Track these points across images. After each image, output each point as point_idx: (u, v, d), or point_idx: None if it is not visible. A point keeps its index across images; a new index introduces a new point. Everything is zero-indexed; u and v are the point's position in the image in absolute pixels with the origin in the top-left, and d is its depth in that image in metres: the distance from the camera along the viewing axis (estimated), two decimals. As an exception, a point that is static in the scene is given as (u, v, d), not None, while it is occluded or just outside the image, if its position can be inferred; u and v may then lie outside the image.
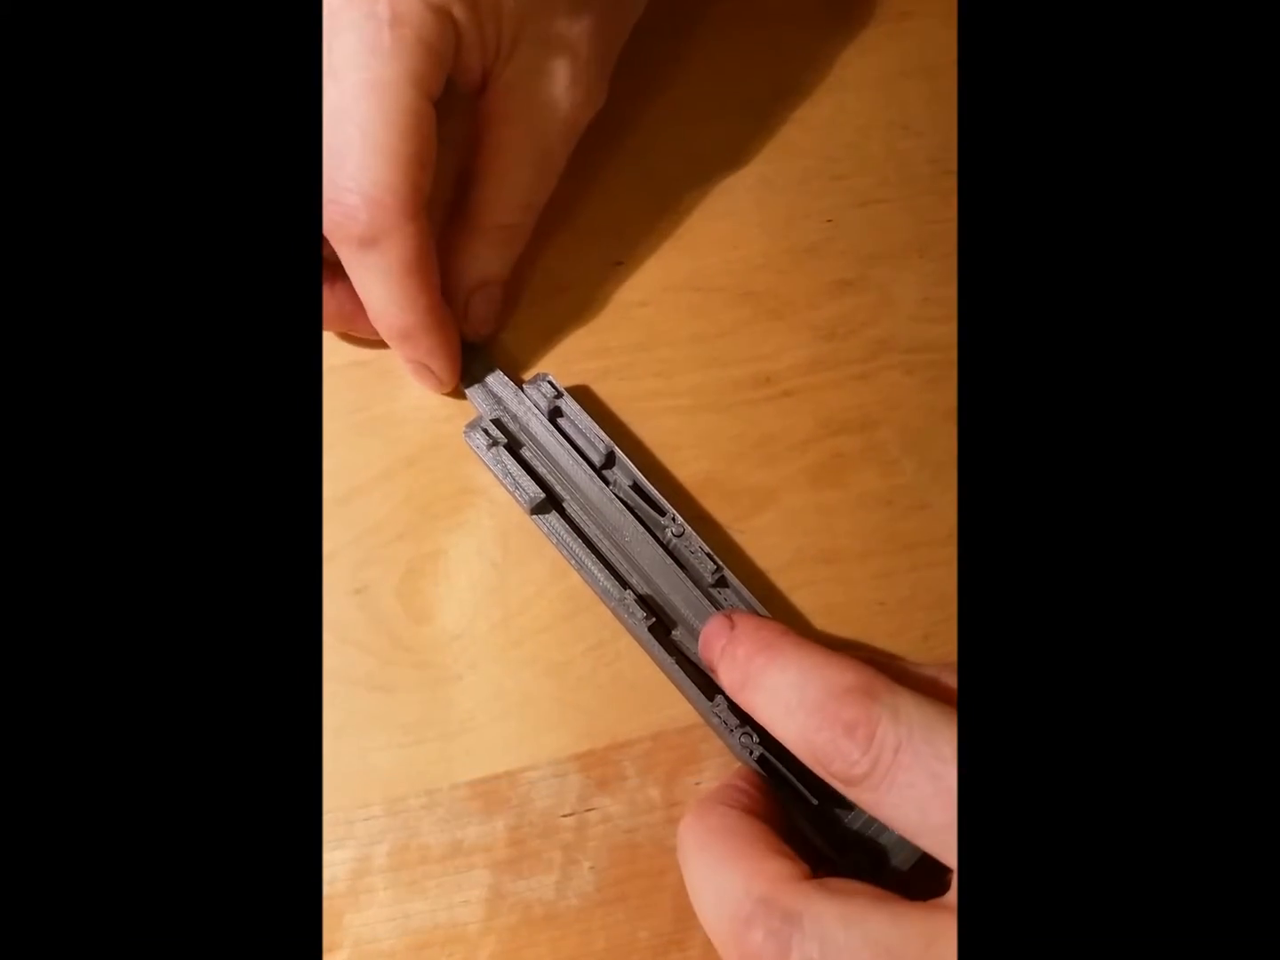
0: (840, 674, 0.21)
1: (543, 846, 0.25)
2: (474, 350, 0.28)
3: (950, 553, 0.28)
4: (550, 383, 0.27)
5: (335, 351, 0.29)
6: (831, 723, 0.20)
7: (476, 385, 0.27)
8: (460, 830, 0.25)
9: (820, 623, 0.27)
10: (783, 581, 0.27)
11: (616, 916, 0.25)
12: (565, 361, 0.29)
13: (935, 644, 0.27)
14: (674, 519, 0.26)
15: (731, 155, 0.31)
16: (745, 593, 0.25)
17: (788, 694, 0.21)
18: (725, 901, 0.20)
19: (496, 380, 0.27)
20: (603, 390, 0.29)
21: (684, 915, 0.25)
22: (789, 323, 0.30)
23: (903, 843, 0.24)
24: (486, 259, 0.27)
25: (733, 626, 0.23)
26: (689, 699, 0.24)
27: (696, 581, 0.26)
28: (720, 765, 0.26)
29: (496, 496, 0.27)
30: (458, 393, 0.28)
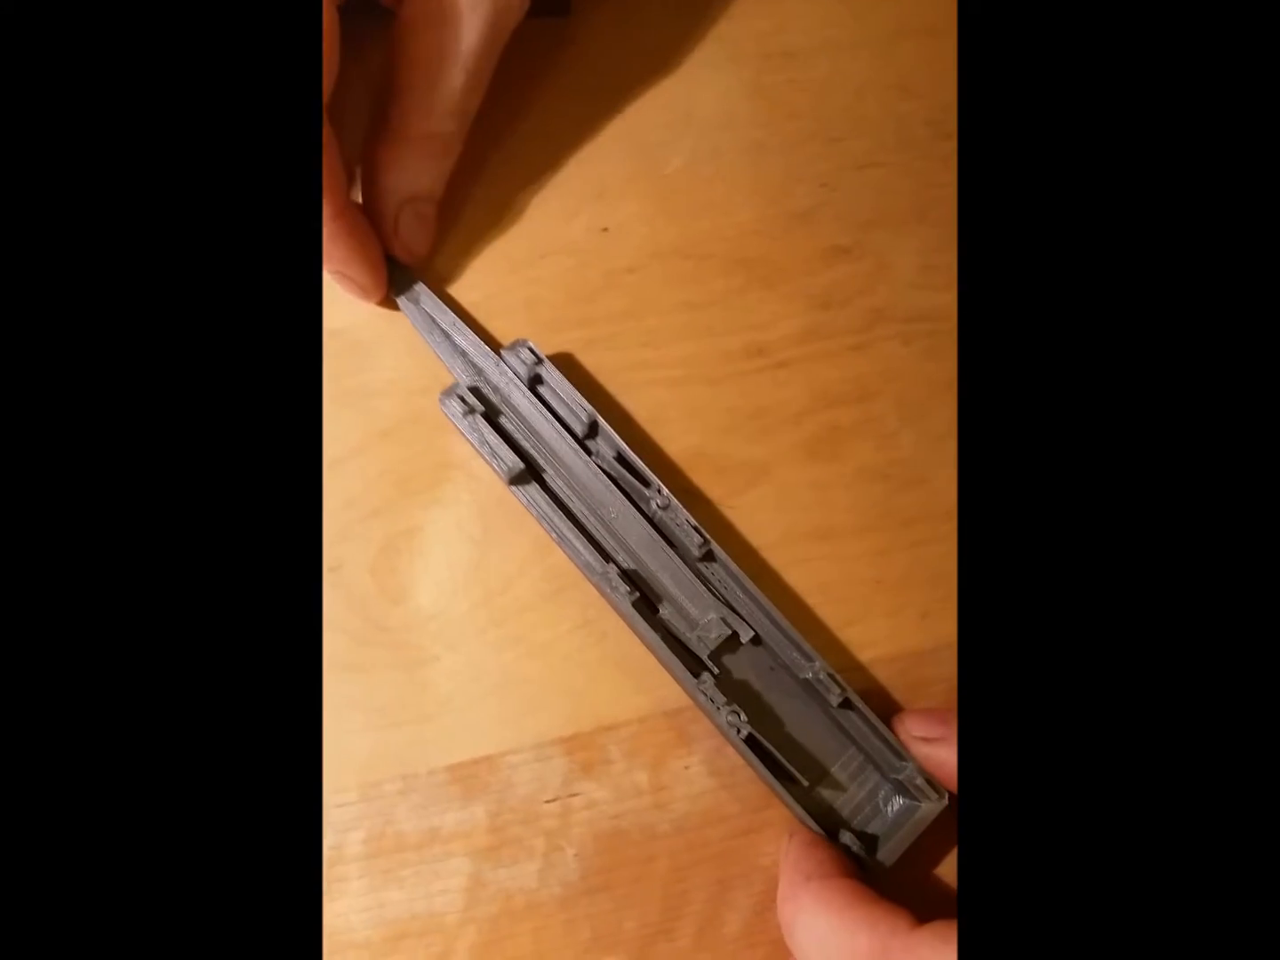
0: (853, 940, 0.20)
1: (524, 833, 0.24)
2: (401, 266, 0.28)
3: (950, 529, 0.27)
4: (530, 349, 0.26)
5: (308, 320, 0.28)
6: None
7: (456, 355, 0.27)
8: (438, 817, 0.24)
9: (814, 601, 0.26)
10: (775, 558, 0.27)
11: (602, 906, 0.24)
12: (547, 330, 0.28)
13: (934, 622, 0.26)
14: (659, 491, 0.25)
15: (723, 118, 0.31)
16: (734, 567, 0.24)
17: (812, 949, 0.21)
18: (840, 954, 0.20)
19: (474, 348, 0.26)
20: (587, 361, 0.28)
21: (672, 904, 0.24)
22: (782, 291, 0.29)
23: (891, 835, 0.23)
24: (415, 171, 0.27)
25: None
26: (675, 676, 0.24)
27: (683, 556, 0.25)
28: (710, 749, 0.25)
29: (475, 470, 0.27)
30: (428, 359, 0.27)
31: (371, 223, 0.27)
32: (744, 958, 0.24)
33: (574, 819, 0.24)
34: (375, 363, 0.28)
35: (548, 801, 0.24)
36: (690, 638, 0.25)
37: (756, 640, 0.25)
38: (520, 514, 0.26)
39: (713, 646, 0.24)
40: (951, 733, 0.23)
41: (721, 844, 0.24)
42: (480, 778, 0.24)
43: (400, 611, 0.26)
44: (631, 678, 0.25)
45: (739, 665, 0.25)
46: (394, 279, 0.27)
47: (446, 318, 0.27)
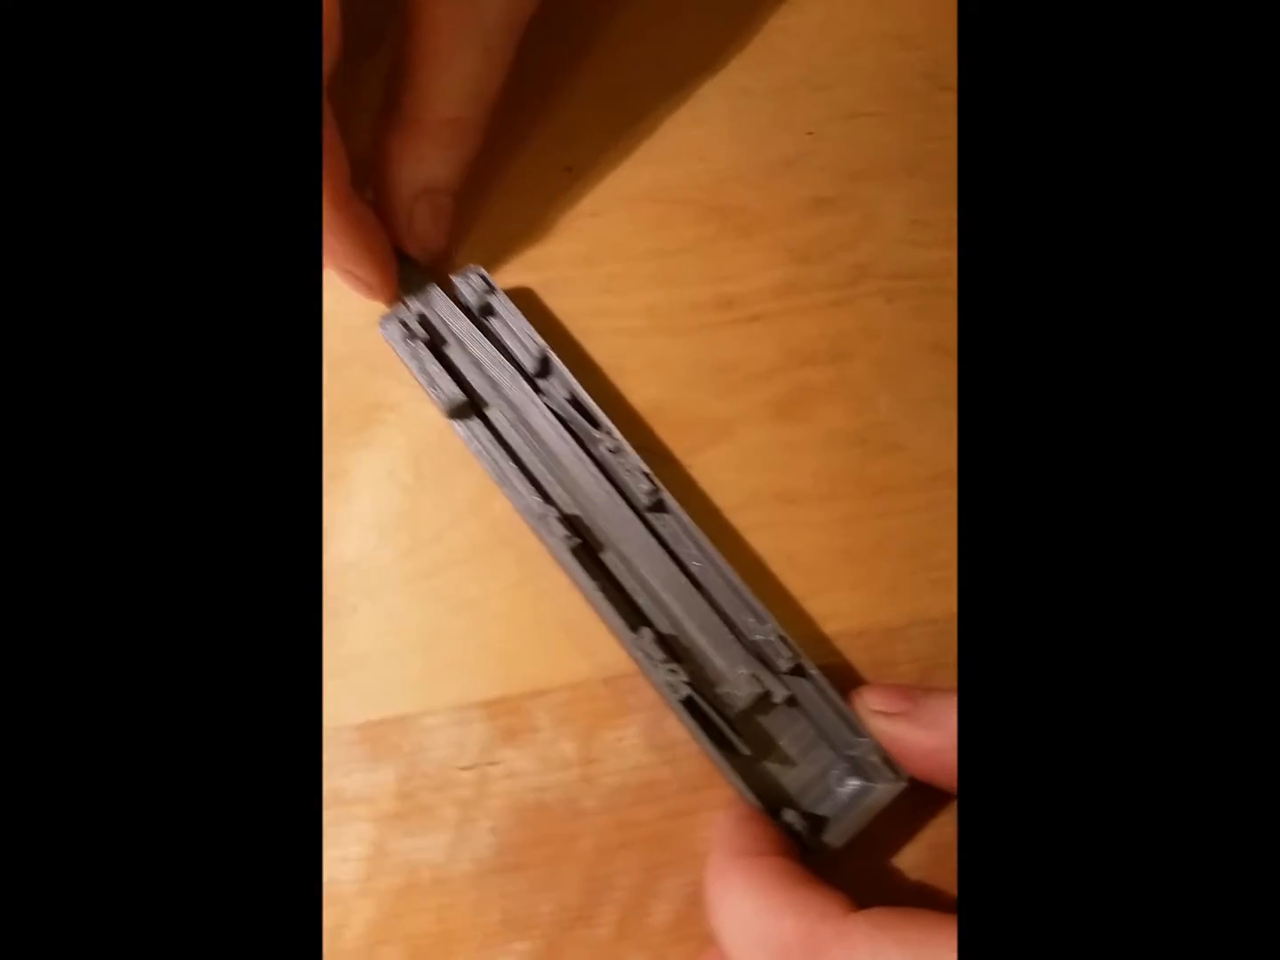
0: (779, 923, 0.17)
1: (436, 801, 0.22)
2: (415, 265, 0.25)
3: (927, 498, 0.25)
4: (482, 276, 0.24)
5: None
6: None
7: (399, 281, 0.25)
8: (343, 778, 0.22)
9: (777, 568, 0.24)
10: (738, 521, 0.25)
11: (517, 885, 0.22)
12: (505, 272, 0.26)
13: (902, 596, 0.24)
14: (610, 433, 0.23)
15: (706, 61, 0.29)
16: (685, 518, 0.23)
17: (736, 931, 0.18)
18: (764, 938, 0.18)
19: (421, 272, 0.25)
20: (547, 304, 0.26)
21: (595, 887, 0.22)
22: (759, 242, 0.27)
23: (841, 817, 0.21)
24: (431, 160, 0.25)
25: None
26: (612, 629, 0.22)
27: (631, 504, 0.23)
28: (649, 720, 0.23)
29: (414, 413, 0.25)
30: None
31: (383, 218, 0.25)
32: (671, 953, 0.21)
33: (492, 789, 0.22)
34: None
35: (464, 769, 0.22)
36: (634, 590, 0.23)
37: (707, 599, 0.22)
38: (458, 462, 0.24)
39: (658, 605, 0.22)
40: (914, 709, 0.21)
41: (654, 825, 0.22)
42: (391, 739, 0.22)
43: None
44: (569, 639, 0.23)
45: (687, 630, 0.23)
46: (405, 277, 0.25)
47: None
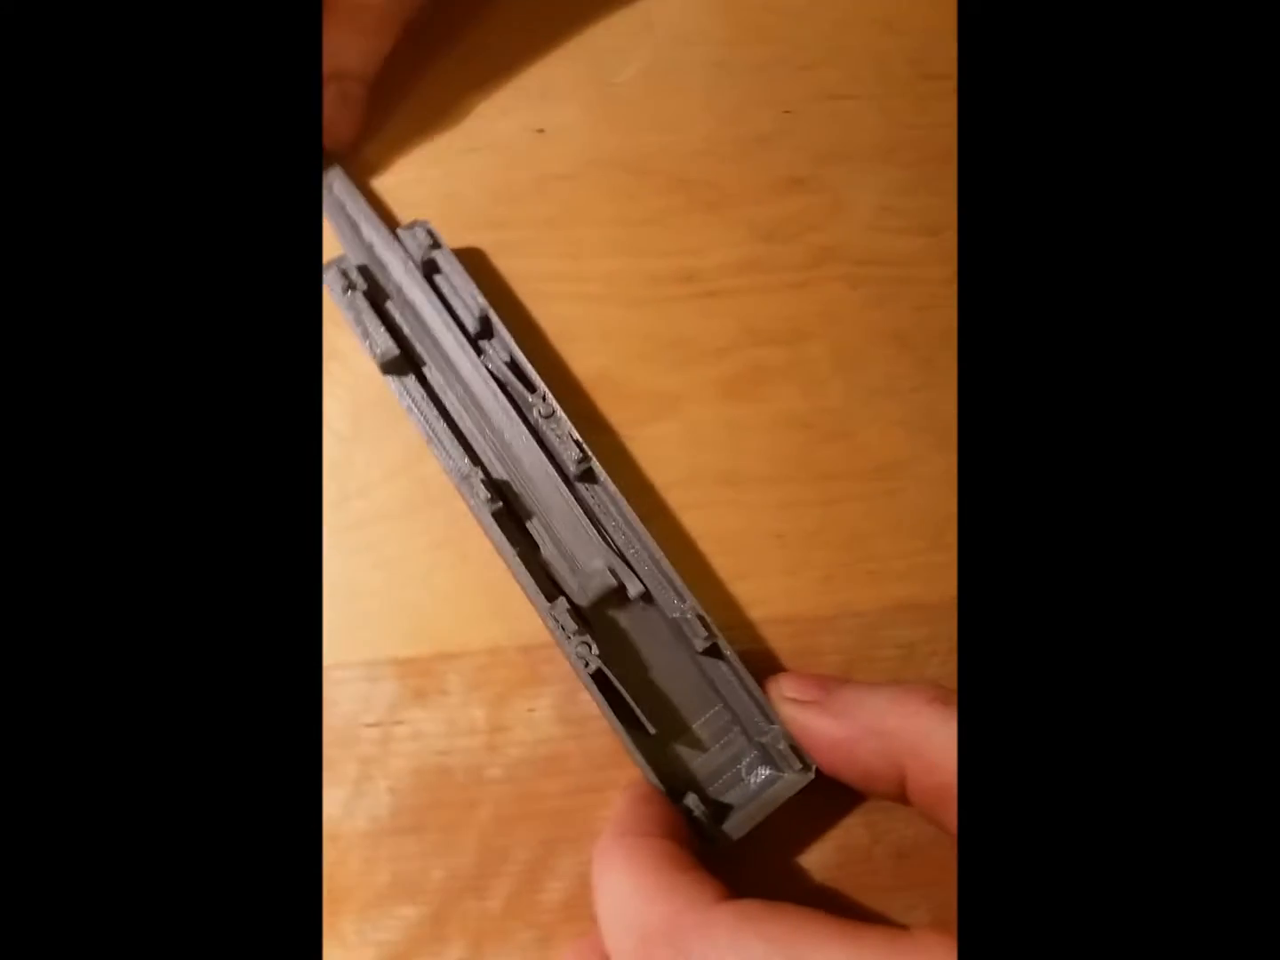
0: (648, 907, 0.17)
1: (337, 756, 0.22)
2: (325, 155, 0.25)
3: (867, 489, 0.24)
4: (428, 231, 0.24)
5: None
6: None
7: (348, 229, 0.24)
8: (244, 725, 0.22)
9: (709, 549, 0.24)
10: (673, 498, 0.24)
11: (410, 848, 0.21)
12: (462, 228, 0.26)
13: (835, 586, 0.23)
14: (544, 398, 0.22)
15: (686, 32, 0.28)
16: (614, 490, 0.22)
17: (609, 911, 0.18)
18: (633, 921, 0.17)
19: (368, 223, 0.24)
20: (500, 265, 0.26)
21: (489, 859, 0.21)
22: (725, 217, 0.27)
23: (745, 806, 0.20)
24: (345, 46, 0.24)
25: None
26: (528, 596, 0.21)
27: (561, 471, 0.22)
28: (562, 693, 0.22)
29: (354, 365, 0.25)
30: (325, 241, 0.25)
31: None
32: (559, 931, 0.21)
33: (395, 749, 0.22)
34: (271, 240, 0.26)
35: (369, 725, 0.22)
36: (555, 560, 0.22)
37: (630, 575, 0.22)
38: (396, 418, 0.24)
39: (579, 575, 0.22)
40: (827, 698, 0.20)
41: (556, 800, 0.22)
42: (298, 689, 0.22)
43: (248, 502, 0.23)
44: (488, 605, 0.23)
45: (606, 600, 0.22)
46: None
47: (345, 190, 0.25)
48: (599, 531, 0.22)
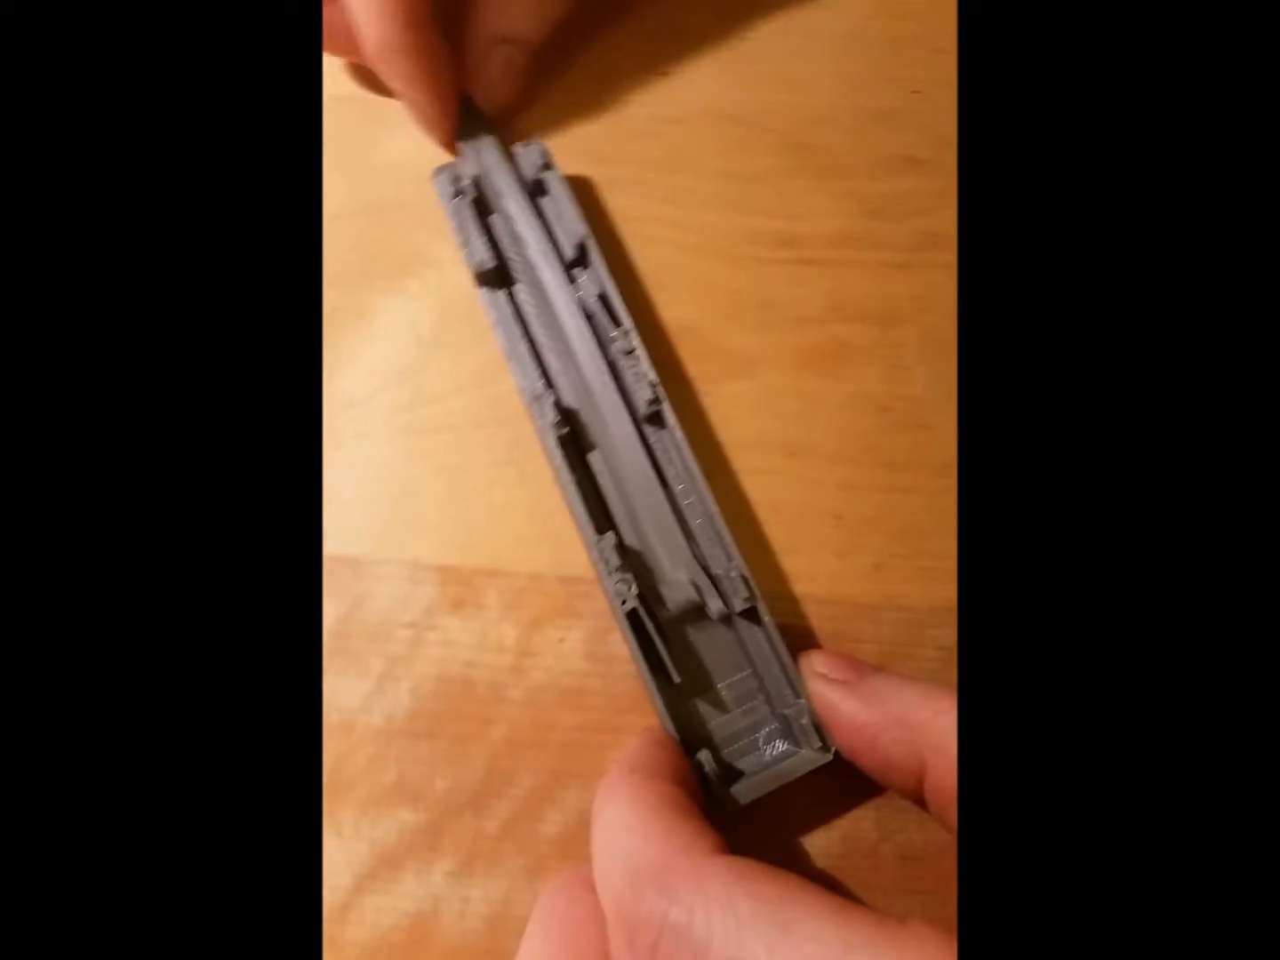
0: (644, 845, 0.16)
1: (366, 649, 0.22)
2: (478, 113, 0.25)
3: (939, 484, 0.24)
4: (543, 151, 0.24)
5: (333, 82, 0.26)
6: (619, 919, 0.16)
7: (467, 141, 0.24)
8: (282, 603, 0.22)
9: (764, 516, 0.23)
10: (737, 460, 0.24)
11: (419, 754, 0.21)
12: (571, 157, 0.26)
13: (885, 576, 0.23)
14: (627, 334, 0.22)
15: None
16: (680, 437, 0.22)
17: (604, 844, 0.17)
18: (626, 857, 0.17)
19: (487, 135, 0.24)
20: (604, 199, 0.25)
21: (495, 779, 0.21)
22: (834, 187, 0.26)
23: (757, 774, 0.20)
24: (517, 12, 0.24)
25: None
26: (578, 525, 0.21)
27: (631, 410, 0.22)
28: (594, 629, 0.22)
29: (450, 274, 0.25)
30: (443, 151, 0.25)
31: (458, 55, 0.25)
32: (550, 865, 0.21)
33: (423, 653, 0.22)
34: (385, 139, 0.26)
35: (403, 626, 0.22)
36: (610, 494, 0.22)
37: (680, 522, 0.22)
38: (478, 332, 0.24)
39: (633, 515, 0.21)
40: (859, 681, 0.20)
41: (571, 733, 0.22)
42: (341, 577, 0.22)
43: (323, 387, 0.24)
44: (537, 529, 0.23)
45: (653, 547, 0.22)
46: (468, 125, 0.25)
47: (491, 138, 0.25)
48: (658, 475, 0.22)
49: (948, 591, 0.23)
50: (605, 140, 0.26)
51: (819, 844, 0.21)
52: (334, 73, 0.26)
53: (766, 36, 0.27)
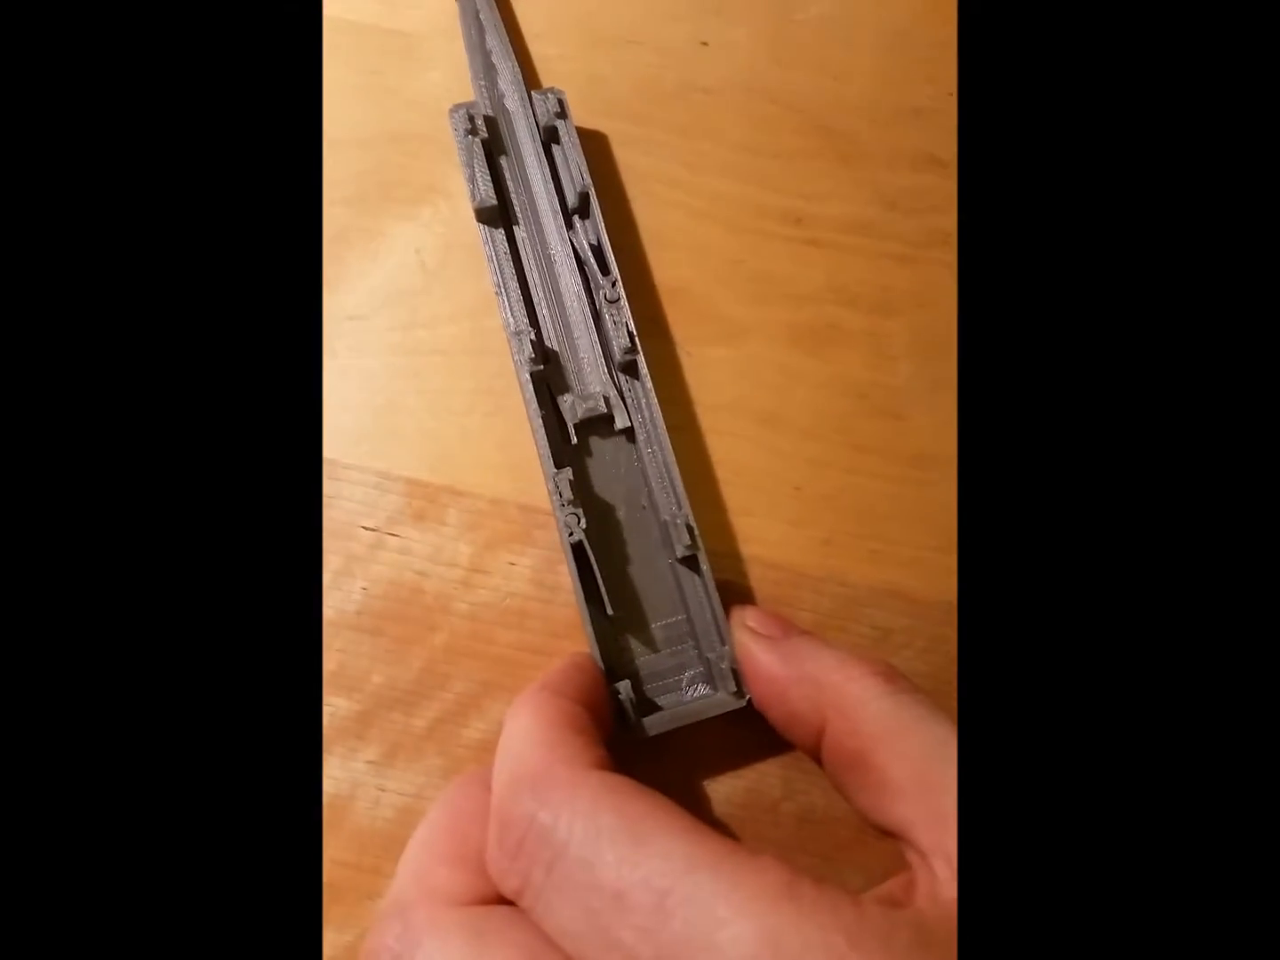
0: (531, 751, 0.17)
1: (329, 547, 0.23)
2: None
3: (899, 472, 0.24)
4: (559, 100, 0.25)
5: (382, 15, 0.27)
6: (496, 815, 0.17)
7: (487, 78, 0.25)
8: (258, 490, 0.23)
9: (725, 476, 0.24)
10: (708, 421, 0.24)
11: (361, 647, 0.23)
12: (598, 112, 0.27)
13: (833, 551, 0.23)
14: (614, 284, 0.23)
15: (879, -10, 0.28)
16: (649, 388, 0.23)
17: (501, 748, 0.18)
18: (515, 760, 0.17)
19: (508, 74, 0.25)
20: (621, 155, 0.26)
21: (429, 681, 0.22)
22: (854, 174, 0.26)
23: (671, 709, 0.21)
24: None
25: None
26: (540, 457, 0.22)
27: (608, 357, 0.23)
28: (544, 559, 0.23)
29: (462, 208, 0.26)
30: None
31: None
32: (466, 768, 0.22)
33: (381, 556, 0.23)
34: (419, 74, 0.27)
35: (365, 528, 0.23)
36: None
37: (640, 468, 0.22)
38: (479, 267, 0.25)
39: (576, 404, 0.23)
40: (783, 639, 0.20)
41: (507, 650, 0.23)
42: (314, 475, 0.23)
43: (327, 299, 0.25)
44: (506, 458, 0.24)
45: (609, 486, 0.23)
46: None
47: (497, 39, 0.26)
48: (626, 412, 0.23)
49: (893, 576, 0.23)
50: (635, 99, 0.27)
51: (723, 791, 0.22)
52: (374, 5, 0.27)
53: (813, 21, 0.28)
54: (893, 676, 0.19)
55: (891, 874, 0.17)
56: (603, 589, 0.21)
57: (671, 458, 0.22)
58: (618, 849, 0.15)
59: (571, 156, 0.24)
